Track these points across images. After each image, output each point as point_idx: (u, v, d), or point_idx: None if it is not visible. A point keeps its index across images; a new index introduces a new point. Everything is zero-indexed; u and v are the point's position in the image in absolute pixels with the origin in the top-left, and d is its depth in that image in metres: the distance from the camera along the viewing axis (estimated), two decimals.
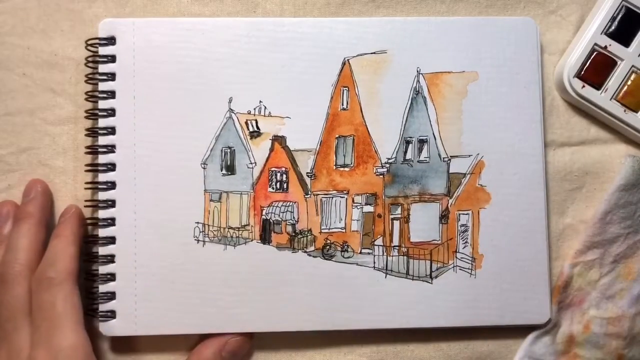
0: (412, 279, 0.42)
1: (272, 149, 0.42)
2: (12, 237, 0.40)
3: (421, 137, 0.43)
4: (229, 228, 0.42)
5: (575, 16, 0.45)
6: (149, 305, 0.41)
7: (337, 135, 0.43)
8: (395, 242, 0.42)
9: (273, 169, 0.42)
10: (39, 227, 0.40)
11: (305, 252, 0.42)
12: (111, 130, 0.42)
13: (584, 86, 0.43)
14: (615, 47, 0.43)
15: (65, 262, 0.38)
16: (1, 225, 0.41)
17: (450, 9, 0.45)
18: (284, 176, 0.42)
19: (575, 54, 0.43)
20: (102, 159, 0.41)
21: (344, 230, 0.42)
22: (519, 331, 0.43)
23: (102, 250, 0.41)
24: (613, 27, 0.43)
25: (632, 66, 0.43)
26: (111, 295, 0.41)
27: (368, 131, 0.43)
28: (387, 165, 0.43)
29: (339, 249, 0.42)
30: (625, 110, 0.43)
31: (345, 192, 0.43)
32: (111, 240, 0.41)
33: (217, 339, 0.41)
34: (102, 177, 0.41)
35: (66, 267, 0.38)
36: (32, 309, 0.38)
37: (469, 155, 0.43)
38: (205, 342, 0.41)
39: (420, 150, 0.43)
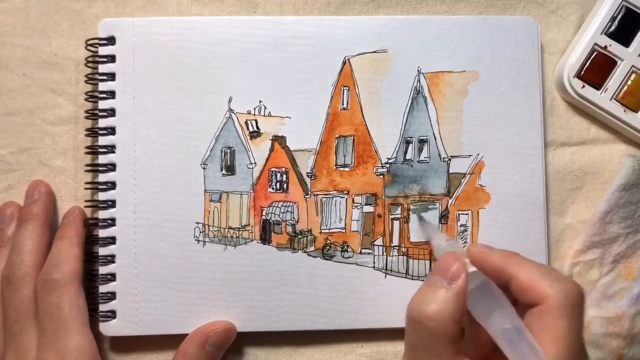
0: (412, 279, 0.42)
1: (272, 149, 0.42)
2: (17, 239, 0.40)
3: (421, 137, 0.43)
4: (229, 228, 0.42)
5: (575, 16, 0.45)
6: (149, 305, 0.41)
7: (337, 135, 0.43)
8: (395, 242, 0.42)
9: (273, 169, 0.42)
10: (43, 229, 0.40)
11: (305, 252, 0.42)
12: (111, 130, 0.42)
13: (584, 86, 0.43)
14: (615, 47, 0.43)
15: (70, 264, 0.39)
16: (5, 226, 0.41)
17: (451, 8, 0.45)
18: (284, 176, 0.42)
19: (575, 54, 0.43)
20: (102, 159, 0.41)
21: (344, 231, 0.43)
22: None
23: (102, 251, 0.41)
24: (613, 27, 0.43)
25: (632, 66, 0.43)
26: (111, 296, 0.41)
27: (368, 131, 0.43)
28: (387, 165, 0.43)
29: (339, 249, 0.42)
30: (625, 110, 0.43)
31: (345, 192, 0.43)
32: (111, 240, 0.41)
33: (199, 333, 0.40)
34: (102, 177, 0.41)
35: (71, 269, 0.38)
36: (37, 310, 0.38)
37: (469, 155, 0.43)
38: (188, 338, 0.40)
39: (420, 150, 0.43)
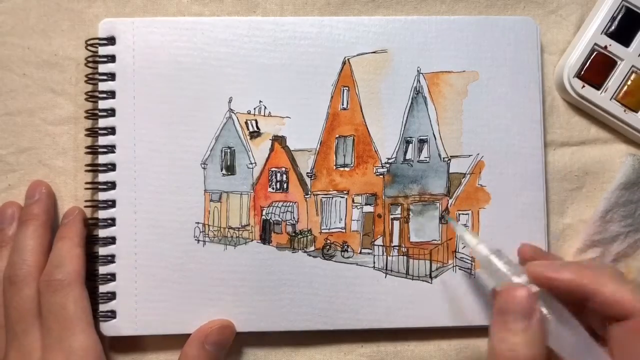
0: (412, 279, 0.42)
1: (272, 149, 0.42)
2: (18, 239, 0.40)
3: (421, 137, 0.43)
4: (229, 228, 0.42)
5: (575, 16, 0.45)
6: (149, 305, 0.41)
7: (337, 135, 0.43)
8: (395, 242, 0.42)
9: (273, 169, 0.42)
10: (44, 229, 0.40)
11: (305, 252, 0.42)
12: (111, 130, 0.42)
13: (584, 86, 0.43)
14: (615, 47, 0.43)
15: (72, 264, 0.39)
16: (6, 226, 0.41)
17: (451, 8, 0.45)
18: (284, 176, 0.42)
19: (575, 54, 0.43)
20: (102, 159, 0.41)
21: (344, 231, 0.43)
22: None
23: (103, 251, 0.41)
24: (613, 27, 0.43)
25: (632, 66, 0.43)
26: (111, 296, 0.41)
27: (368, 131, 0.43)
28: (387, 165, 0.43)
29: (339, 249, 0.42)
30: (625, 110, 0.43)
31: (345, 192, 0.43)
32: (111, 240, 0.41)
33: (198, 334, 0.40)
34: (102, 177, 0.41)
35: (74, 269, 0.39)
36: (41, 311, 0.38)
37: (469, 155, 0.43)
38: (188, 340, 0.40)
39: (420, 150, 0.43)
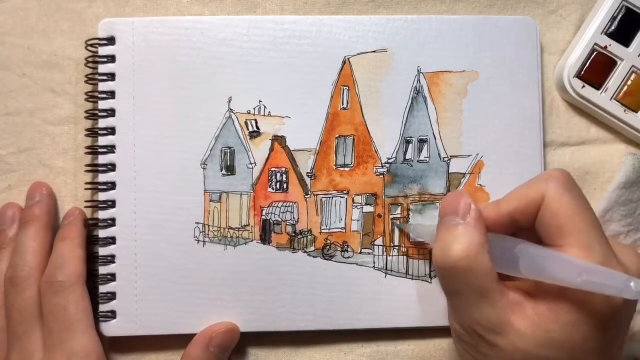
0: (412, 279, 0.42)
1: (271, 149, 0.42)
2: (19, 240, 0.40)
3: (421, 137, 0.43)
4: (229, 228, 0.42)
5: (575, 16, 0.45)
6: (149, 305, 0.41)
7: (337, 135, 0.43)
8: (395, 242, 0.42)
9: (273, 169, 0.42)
10: (45, 230, 0.40)
11: (305, 252, 0.42)
12: (111, 131, 0.42)
13: (583, 86, 0.43)
14: (615, 47, 0.43)
15: (74, 266, 0.39)
16: (7, 228, 0.41)
17: (451, 8, 0.45)
18: (284, 176, 0.42)
19: (575, 54, 0.43)
20: (102, 159, 0.41)
21: (344, 230, 0.43)
22: None
23: (102, 251, 0.41)
24: (613, 27, 0.43)
25: (632, 66, 0.43)
26: (111, 296, 0.41)
27: (368, 131, 0.43)
28: (387, 165, 0.43)
29: (339, 249, 0.42)
30: (625, 110, 0.43)
31: (345, 192, 0.43)
32: (111, 240, 0.41)
33: (203, 336, 0.40)
34: (102, 177, 0.41)
35: (75, 270, 0.39)
36: (42, 312, 0.38)
37: (469, 155, 0.43)
38: (192, 341, 0.40)
39: (420, 150, 0.43)
